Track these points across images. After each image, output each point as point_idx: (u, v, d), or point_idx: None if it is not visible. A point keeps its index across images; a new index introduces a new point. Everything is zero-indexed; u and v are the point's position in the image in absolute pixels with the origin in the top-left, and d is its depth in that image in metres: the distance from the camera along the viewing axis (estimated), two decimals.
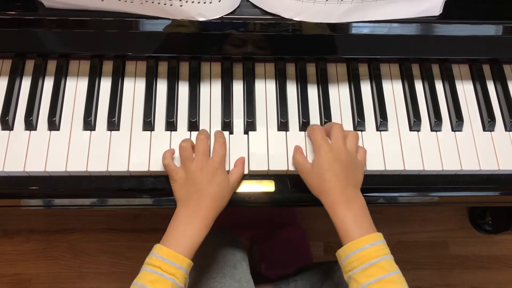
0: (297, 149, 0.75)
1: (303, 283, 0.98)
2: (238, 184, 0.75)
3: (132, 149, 0.75)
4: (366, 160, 0.74)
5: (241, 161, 0.75)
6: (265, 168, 0.75)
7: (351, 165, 0.69)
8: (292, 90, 0.81)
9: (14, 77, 0.79)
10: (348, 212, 0.66)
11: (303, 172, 0.72)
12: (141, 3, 0.67)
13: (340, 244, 0.67)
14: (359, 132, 0.78)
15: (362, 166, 0.72)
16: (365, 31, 0.73)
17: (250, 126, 0.77)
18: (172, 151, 0.73)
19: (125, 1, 0.67)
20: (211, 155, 0.73)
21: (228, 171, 0.74)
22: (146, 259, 0.66)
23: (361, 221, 0.67)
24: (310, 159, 0.74)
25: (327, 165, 0.69)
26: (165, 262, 0.64)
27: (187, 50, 0.79)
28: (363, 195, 0.70)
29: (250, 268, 0.94)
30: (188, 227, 0.67)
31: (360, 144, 0.77)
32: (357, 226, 0.66)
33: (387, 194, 0.81)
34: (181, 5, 0.67)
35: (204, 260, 0.88)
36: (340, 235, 0.67)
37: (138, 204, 0.82)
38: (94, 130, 0.77)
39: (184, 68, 0.82)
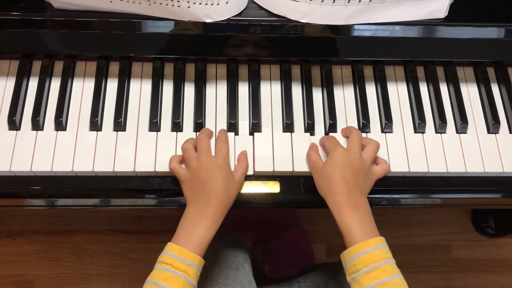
0: (313, 146, 0.75)
1: (306, 285, 0.98)
2: (244, 179, 0.75)
3: (138, 149, 0.75)
4: (381, 175, 0.73)
5: (243, 155, 0.75)
6: (270, 169, 0.75)
7: (362, 173, 0.69)
8: (297, 91, 0.81)
9: (21, 77, 0.79)
10: (354, 217, 0.67)
11: (314, 170, 0.72)
12: (149, 4, 0.68)
13: (342, 247, 0.67)
14: (364, 134, 0.79)
15: (374, 177, 0.72)
16: (370, 33, 0.73)
17: (255, 127, 0.78)
18: (179, 156, 0.73)
19: (133, 2, 0.68)
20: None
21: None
22: (158, 257, 0.66)
23: (366, 226, 0.67)
24: None
25: (338, 167, 0.69)
26: (177, 260, 0.65)
27: (193, 52, 0.79)
28: (367, 197, 0.71)
29: (253, 269, 0.94)
30: (197, 225, 0.68)
31: None
32: (362, 230, 0.66)
33: (391, 195, 0.81)
34: (188, 7, 0.67)
35: (206, 262, 0.88)
36: (345, 238, 0.67)
37: (141, 204, 0.83)
38: (100, 130, 0.77)
39: (190, 69, 0.82)
